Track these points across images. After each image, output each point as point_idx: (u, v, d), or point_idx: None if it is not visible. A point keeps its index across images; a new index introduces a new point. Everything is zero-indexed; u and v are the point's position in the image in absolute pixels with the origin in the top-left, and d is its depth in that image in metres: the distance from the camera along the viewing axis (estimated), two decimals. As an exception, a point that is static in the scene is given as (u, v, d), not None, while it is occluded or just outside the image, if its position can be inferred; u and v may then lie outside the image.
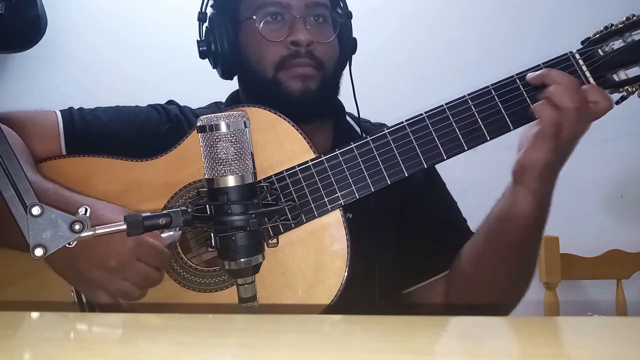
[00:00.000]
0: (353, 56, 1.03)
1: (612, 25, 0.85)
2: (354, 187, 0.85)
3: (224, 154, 0.59)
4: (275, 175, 0.86)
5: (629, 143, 1.75)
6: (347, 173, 0.85)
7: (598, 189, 1.77)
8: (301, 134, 0.87)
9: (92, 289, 0.79)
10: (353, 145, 0.86)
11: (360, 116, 1.04)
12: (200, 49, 1.01)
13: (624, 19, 0.85)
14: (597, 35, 0.86)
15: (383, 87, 1.74)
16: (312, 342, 0.48)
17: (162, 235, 0.82)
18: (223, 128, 0.59)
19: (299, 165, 0.86)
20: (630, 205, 1.79)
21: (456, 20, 1.81)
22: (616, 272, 1.59)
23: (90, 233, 0.57)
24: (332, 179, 0.85)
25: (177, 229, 0.85)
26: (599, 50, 0.85)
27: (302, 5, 0.95)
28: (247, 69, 0.99)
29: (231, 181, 0.59)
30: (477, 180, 1.62)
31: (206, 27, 1.01)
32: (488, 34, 1.79)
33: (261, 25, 0.96)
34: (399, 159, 0.85)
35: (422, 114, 0.86)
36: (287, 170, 0.86)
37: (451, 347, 0.49)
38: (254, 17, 0.96)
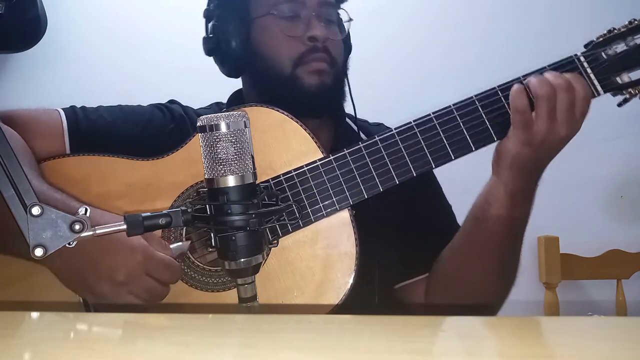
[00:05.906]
0: (351, 56, 1.06)
1: (614, 29, 0.86)
2: (362, 187, 0.85)
3: (224, 154, 0.59)
4: (284, 174, 0.86)
5: (629, 143, 1.75)
6: (356, 173, 0.86)
7: (598, 189, 1.77)
8: (309, 133, 0.87)
9: (99, 300, 0.78)
10: (361, 145, 0.86)
11: (359, 116, 1.04)
12: (208, 46, 1.01)
13: (627, 22, 0.86)
14: (601, 39, 0.87)
15: (383, 87, 1.74)
16: (312, 342, 0.48)
17: (171, 246, 0.82)
18: (223, 128, 0.59)
19: (307, 165, 0.86)
20: (630, 205, 1.79)
21: (456, 20, 1.81)
22: (616, 272, 1.59)
23: (90, 233, 0.57)
24: (341, 179, 0.85)
25: (185, 239, 0.85)
26: (603, 54, 0.86)
27: (315, 4, 0.98)
28: (260, 66, 0.99)
29: (231, 181, 0.59)
30: (478, 180, 1.61)
31: (213, 24, 1.00)
32: (488, 34, 1.79)
33: (279, 21, 0.97)
34: (407, 158, 0.86)
35: (429, 114, 0.86)
36: (295, 169, 0.86)
37: (451, 347, 0.49)
38: (274, 14, 0.97)
